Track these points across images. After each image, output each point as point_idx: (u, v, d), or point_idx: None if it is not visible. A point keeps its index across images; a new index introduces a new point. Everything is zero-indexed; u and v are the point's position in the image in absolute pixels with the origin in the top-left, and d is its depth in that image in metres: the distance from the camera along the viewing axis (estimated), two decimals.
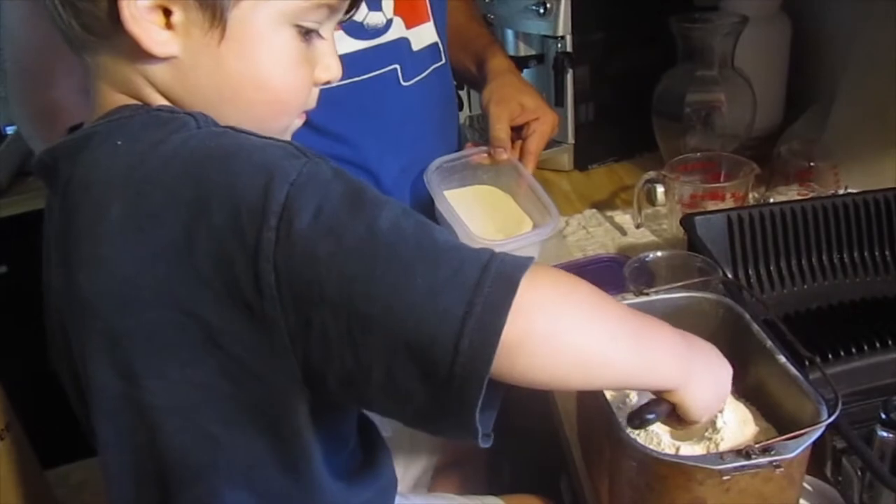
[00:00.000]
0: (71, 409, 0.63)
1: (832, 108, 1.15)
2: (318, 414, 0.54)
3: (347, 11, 0.60)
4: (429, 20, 1.01)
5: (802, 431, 0.57)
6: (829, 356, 0.74)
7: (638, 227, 1.12)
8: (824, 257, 0.94)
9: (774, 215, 0.93)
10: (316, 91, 0.62)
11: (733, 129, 1.21)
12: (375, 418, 0.67)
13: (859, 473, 0.64)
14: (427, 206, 0.95)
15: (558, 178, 1.36)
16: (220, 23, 0.53)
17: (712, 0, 1.27)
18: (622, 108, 1.35)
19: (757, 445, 0.56)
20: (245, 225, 0.46)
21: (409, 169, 1.01)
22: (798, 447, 0.57)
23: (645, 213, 1.12)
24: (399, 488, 0.70)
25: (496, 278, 0.46)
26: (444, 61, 1.05)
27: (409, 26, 0.97)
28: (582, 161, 1.36)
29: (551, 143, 1.21)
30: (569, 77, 1.29)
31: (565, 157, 1.36)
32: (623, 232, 1.14)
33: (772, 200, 1.05)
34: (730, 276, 0.89)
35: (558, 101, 1.30)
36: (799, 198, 1.04)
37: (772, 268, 0.93)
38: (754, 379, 0.69)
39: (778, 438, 0.58)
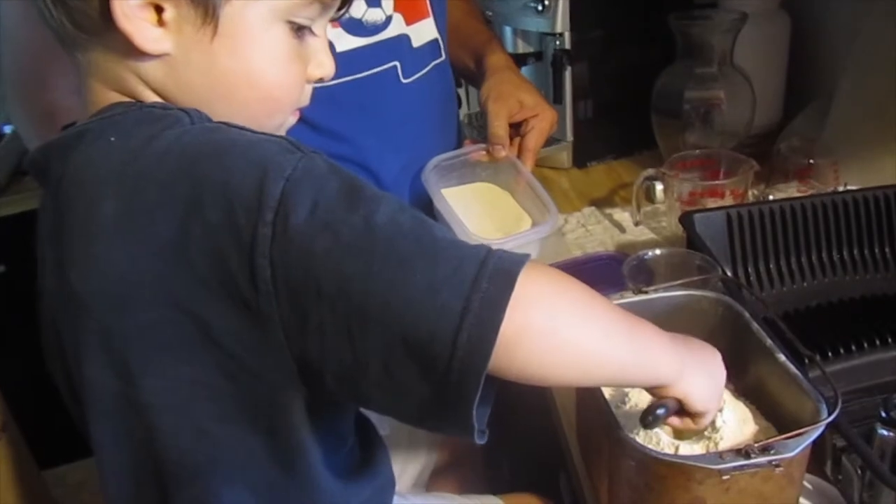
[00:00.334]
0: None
1: (832, 105, 1.14)
2: (315, 412, 0.53)
3: (339, 8, 0.59)
4: (429, 16, 0.99)
5: (802, 430, 0.57)
6: (829, 354, 0.74)
7: (637, 224, 1.12)
8: (824, 255, 0.94)
9: (774, 213, 0.92)
10: (309, 88, 0.61)
11: (732, 127, 1.21)
12: (373, 416, 0.67)
13: (859, 472, 0.64)
14: (427, 204, 0.95)
15: (557, 175, 1.36)
16: (212, 19, 0.52)
17: None
18: (621, 105, 1.34)
19: (756, 444, 0.56)
20: (240, 221, 0.46)
21: (410, 167, 1.00)
22: (798, 446, 0.56)
23: (644, 211, 1.11)
24: (397, 487, 0.70)
25: (494, 274, 0.46)
26: (444, 58, 1.04)
27: (408, 22, 0.96)
28: (581, 158, 1.36)
29: (550, 141, 1.21)
30: (567, 74, 1.28)
31: (564, 155, 1.36)
32: (622, 229, 1.14)
33: (771, 198, 1.04)
34: (729, 273, 0.89)
35: (557, 99, 1.30)
36: (798, 195, 1.04)
37: (771, 265, 0.93)
38: (754, 377, 0.69)
39: (777, 437, 0.58)
